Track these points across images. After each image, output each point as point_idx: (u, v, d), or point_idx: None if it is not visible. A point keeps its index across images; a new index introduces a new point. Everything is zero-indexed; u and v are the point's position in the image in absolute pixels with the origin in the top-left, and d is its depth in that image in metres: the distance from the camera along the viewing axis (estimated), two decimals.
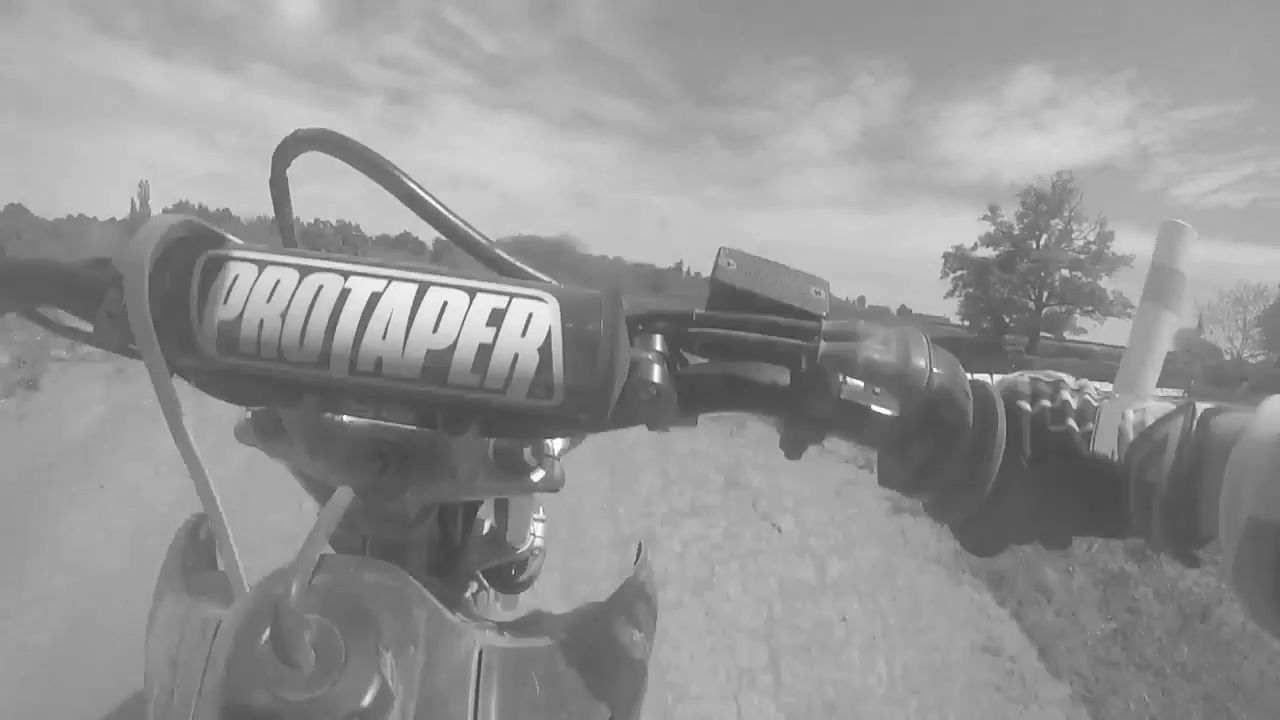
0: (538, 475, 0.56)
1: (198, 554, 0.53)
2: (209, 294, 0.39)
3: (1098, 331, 45.35)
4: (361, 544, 0.53)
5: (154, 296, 0.38)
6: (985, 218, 43.79)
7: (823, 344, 0.41)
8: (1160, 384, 1.64)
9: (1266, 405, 0.35)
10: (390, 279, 0.39)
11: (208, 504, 0.44)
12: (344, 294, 0.38)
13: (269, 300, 0.38)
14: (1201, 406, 0.39)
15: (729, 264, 0.44)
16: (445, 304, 0.39)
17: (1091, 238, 41.23)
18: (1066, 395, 0.42)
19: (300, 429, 0.51)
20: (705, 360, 0.45)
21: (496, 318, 0.39)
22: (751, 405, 0.44)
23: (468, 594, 0.80)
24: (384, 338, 0.38)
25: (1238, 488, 0.34)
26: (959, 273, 44.63)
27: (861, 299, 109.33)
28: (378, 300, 0.38)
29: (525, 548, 0.82)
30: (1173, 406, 0.40)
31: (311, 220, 72.06)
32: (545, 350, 0.39)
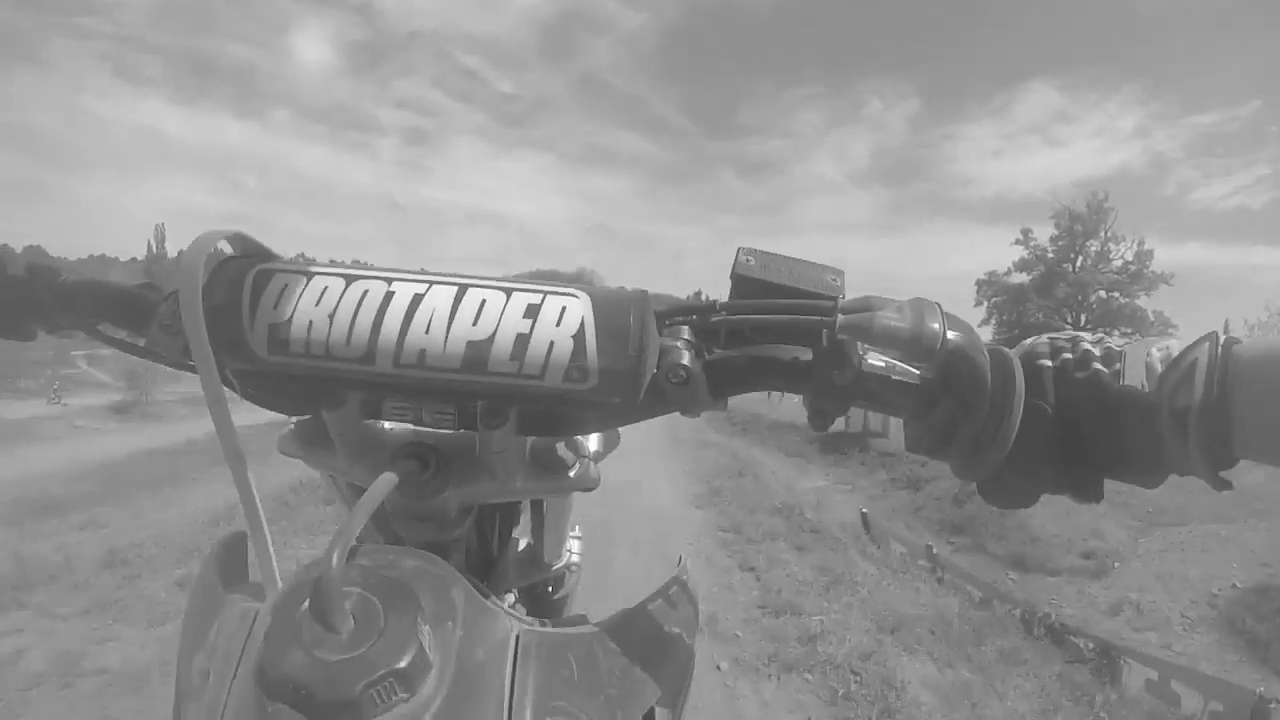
0: (574, 472, 0.56)
1: (231, 570, 0.55)
2: (260, 302, 0.41)
3: None
4: (401, 544, 0.53)
5: (206, 306, 0.39)
6: (1018, 241, 43.04)
7: (840, 317, 0.43)
8: None
9: None
10: (431, 282, 0.42)
11: (247, 503, 0.45)
12: (388, 296, 0.41)
13: (318, 304, 0.41)
14: (1223, 335, 0.40)
15: (748, 260, 0.48)
16: (484, 301, 0.41)
17: (1130, 256, 40.17)
18: (1087, 345, 0.44)
19: (343, 435, 0.52)
20: (731, 349, 0.48)
21: (533, 311, 0.41)
22: (777, 383, 0.46)
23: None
24: (427, 332, 0.40)
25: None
26: (994, 299, 43.51)
27: None
28: (420, 300, 0.41)
29: (561, 564, 0.84)
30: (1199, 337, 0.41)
31: (327, 260, 71.75)
32: (579, 337, 0.41)
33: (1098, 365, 0.42)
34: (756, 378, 0.46)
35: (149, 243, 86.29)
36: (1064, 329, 0.47)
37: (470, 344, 0.40)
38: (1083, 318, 41.29)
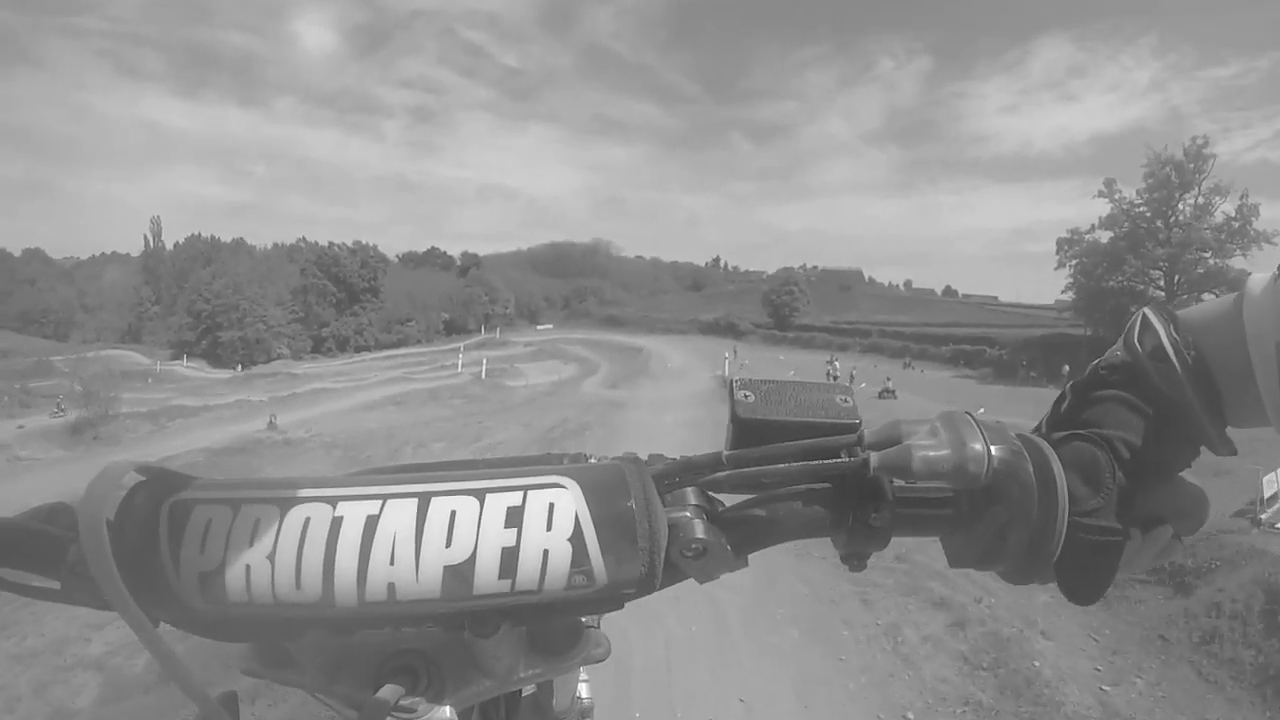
0: (580, 650, 0.51)
1: None
2: (182, 543, 0.36)
3: None
4: None
5: (120, 550, 0.34)
6: (1101, 194, 38.37)
7: (871, 455, 0.40)
8: None
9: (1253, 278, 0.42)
10: (384, 498, 0.37)
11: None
12: (336, 524, 0.36)
13: (251, 544, 0.36)
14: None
15: (746, 397, 0.43)
16: (454, 513, 0.36)
17: (1231, 211, 35.11)
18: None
19: (312, 654, 0.46)
20: (745, 502, 0.43)
21: (515, 516, 0.36)
22: (805, 533, 0.42)
23: None
24: (392, 563, 0.35)
25: (1260, 326, 0.40)
26: (1076, 262, 38.72)
27: (908, 283, 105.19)
28: (376, 524, 0.36)
29: (570, 709, 0.79)
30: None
31: (327, 244, 68.41)
32: (577, 539, 0.37)
33: (1113, 379, 0.44)
34: (780, 533, 0.42)
35: (145, 237, 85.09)
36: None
37: (448, 569, 0.35)
38: (1177, 281, 36.46)
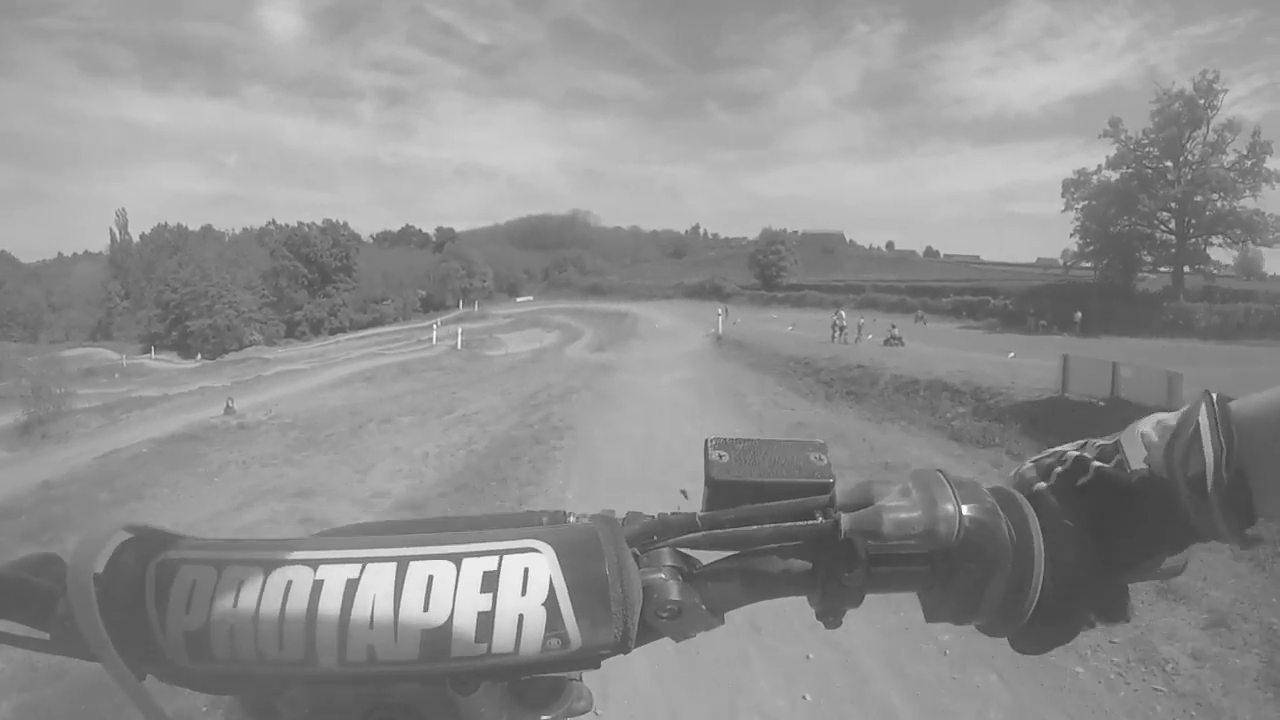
0: (562, 704, 0.51)
1: None
2: (168, 602, 0.37)
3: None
4: None
5: (107, 607, 0.36)
6: (1105, 134, 36.34)
7: (843, 517, 0.40)
8: None
9: None
10: (364, 561, 0.38)
11: None
12: (317, 587, 0.37)
13: (235, 605, 0.37)
14: (1213, 395, 0.39)
15: (720, 457, 0.44)
16: (431, 578, 0.37)
17: (1244, 149, 33.23)
18: (1075, 453, 0.44)
19: (296, 706, 0.46)
20: (718, 560, 0.44)
21: (491, 581, 0.37)
22: (778, 592, 0.43)
23: None
24: (371, 626, 0.36)
25: None
26: (1083, 204, 36.87)
27: (890, 244, 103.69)
28: (355, 587, 0.37)
29: None
30: (1184, 406, 0.40)
31: (295, 224, 65.82)
32: (551, 604, 0.37)
33: (1098, 463, 0.42)
34: (755, 592, 0.43)
35: (111, 230, 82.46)
36: (1055, 448, 0.45)
37: (426, 632, 0.36)
38: (1189, 223, 34.68)
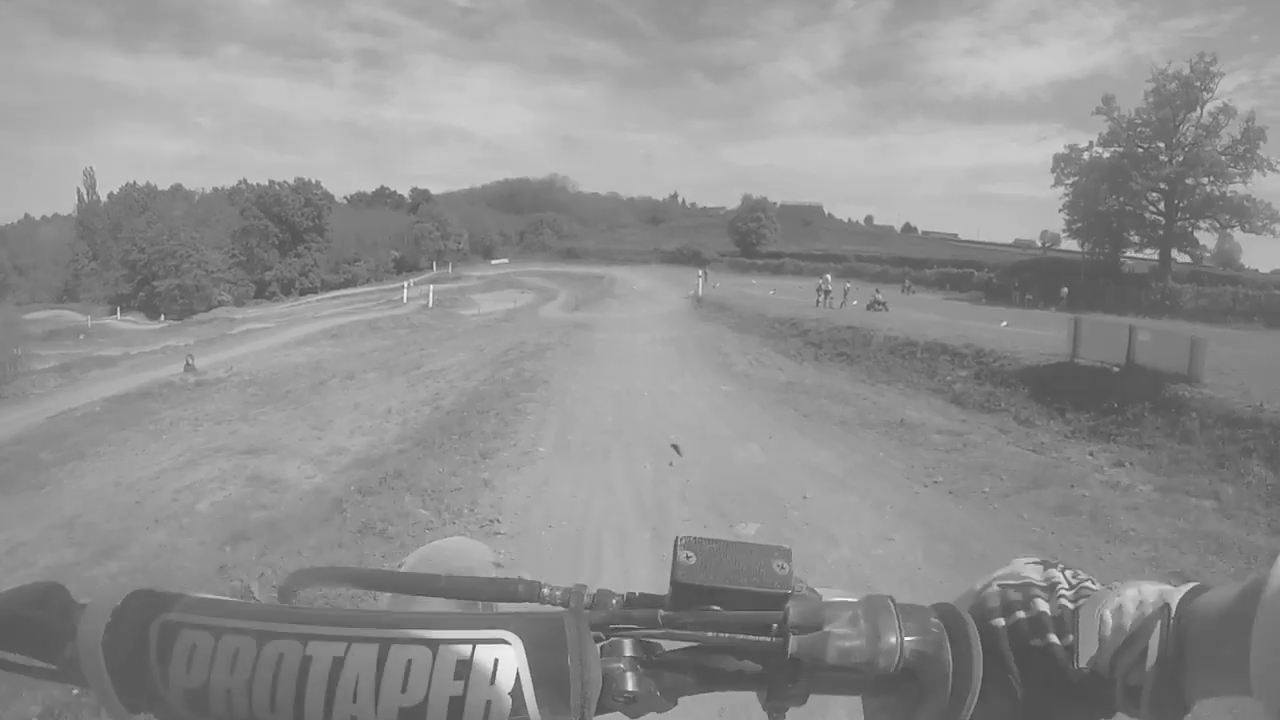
0: None
1: None
2: (170, 660, 0.41)
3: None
4: None
5: (113, 657, 0.41)
6: (1099, 110, 35.75)
7: (792, 639, 0.44)
8: None
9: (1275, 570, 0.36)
10: (349, 640, 0.42)
11: None
12: (306, 662, 0.41)
13: (232, 671, 0.41)
14: (1177, 596, 0.42)
15: (688, 558, 0.47)
16: (410, 662, 0.41)
17: (1238, 134, 32.76)
18: (1041, 604, 0.46)
19: None
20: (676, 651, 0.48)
21: (463, 670, 0.41)
22: (728, 686, 0.47)
23: None
24: (354, 701, 0.40)
25: (1273, 652, 0.35)
26: (1072, 180, 36.36)
27: (869, 218, 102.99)
28: (341, 665, 0.41)
29: None
30: (1150, 596, 0.43)
31: (266, 183, 63.79)
32: (517, 694, 0.41)
33: (1052, 636, 0.44)
34: (706, 683, 0.47)
35: (79, 190, 79.21)
36: (1023, 573, 0.48)
37: (403, 710, 0.40)
38: (1178, 204, 34.26)
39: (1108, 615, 0.43)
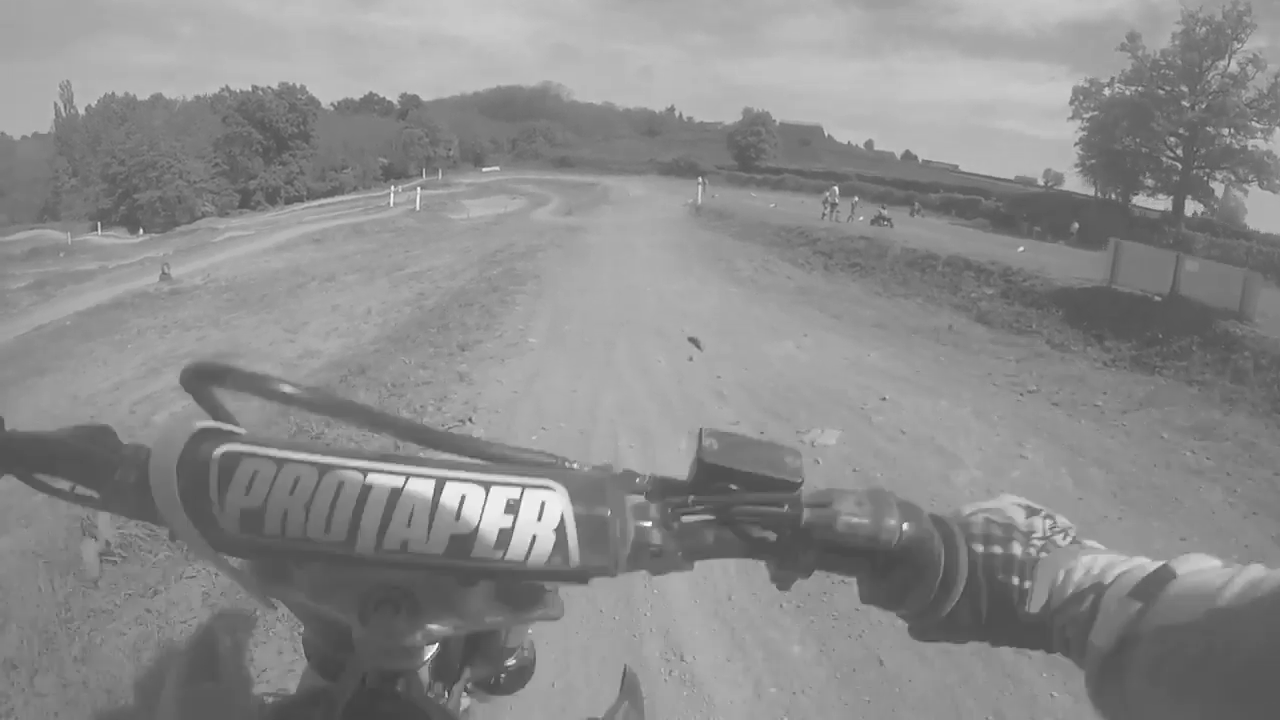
0: (539, 608, 0.58)
1: (203, 664, 0.58)
2: (229, 485, 0.43)
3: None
4: (362, 677, 0.54)
5: (183, 482, 0.43)
6: (1123, 47, 34.25)
7: (805, 511, 0.49)
8: None
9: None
10: (407, 475, 0.44)
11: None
12: (365, 489, 0.43)
13: (292, 493, 0.43)
14: (1114, 573, 0.46)
15: (711, 444, 0.51)
16: (464, 497, 0.44)
17: (1264, 88, 31.39)
18: (1016, 547, 0.50)
19: (311, 577, 0.53)
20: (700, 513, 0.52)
21: (513, 507, 0.45)
22: (743, 554, 0.51)
23: (463, 708, 0.79)
24: (409, 525, 0.43)
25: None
26: (1091, 115, 35.06)
27: (869, 143, 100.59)
28: (399, 495, 0.44)
29: (518, 653, 0.85)
30: (1099, 567, 0.48)
31: (250, 89, 60.92)
32: (560, 532, 0.45)
33: (1014, 578, 0.49)
34: (724, 549, 0.50)
35: (56, 105, 75.21)
36: (1009, 512, 0.53)
37: (454, 536, 0.43)
38: (1196, 151, 33.06)
39: (1061, 575, 0.48)
